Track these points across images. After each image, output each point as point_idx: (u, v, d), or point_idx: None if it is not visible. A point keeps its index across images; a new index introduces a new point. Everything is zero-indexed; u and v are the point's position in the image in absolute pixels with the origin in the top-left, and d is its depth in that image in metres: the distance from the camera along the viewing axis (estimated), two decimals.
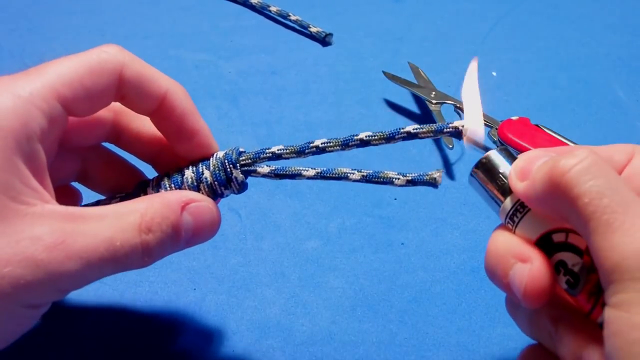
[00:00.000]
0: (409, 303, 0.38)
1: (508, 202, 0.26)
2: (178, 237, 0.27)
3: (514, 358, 0.35)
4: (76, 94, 0.26)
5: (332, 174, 0.30)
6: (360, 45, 0.57)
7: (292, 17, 0.58)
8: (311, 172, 0.30)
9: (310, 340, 0.36)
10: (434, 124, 0.29)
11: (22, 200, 0.23)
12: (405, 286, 0.38)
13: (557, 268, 0.25)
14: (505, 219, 0.26)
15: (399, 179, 0.29)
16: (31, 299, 0.24)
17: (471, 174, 0.27)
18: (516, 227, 0.26)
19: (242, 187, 0.30)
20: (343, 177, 0.30)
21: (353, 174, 0.30)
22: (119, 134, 0.31)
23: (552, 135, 0.45)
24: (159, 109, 0.29)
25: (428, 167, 0.45)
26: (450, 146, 0.45)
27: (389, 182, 0.30)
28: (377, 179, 0.30)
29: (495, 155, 0.27)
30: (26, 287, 0.22)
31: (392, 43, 0.57)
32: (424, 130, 0.29)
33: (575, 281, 0.24)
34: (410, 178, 0.29)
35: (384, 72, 0.51)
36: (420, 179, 0.29)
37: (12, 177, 0.23)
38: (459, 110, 0.48)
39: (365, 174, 0.30)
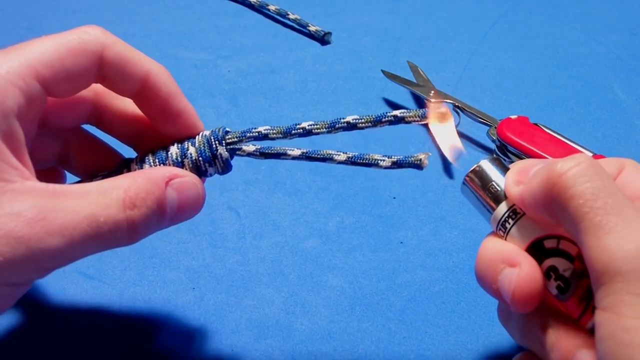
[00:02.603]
0: (408, 302, 0.38)
1: (501, 208, 0.26)
2: (163, 213, 0.26)
3: (512, 357, 0.35)
4: (56, 74, 0.26)
5: (318, 155, 0.30)
6: (359, 44, 0.57)
7: (291, 16, 0.57)
8: (297, 152, 0.30)
9: (309, 339, 0.36)
10: (421, 109, 0.29)
11: (1, 177, 0.23)
12: (404, 285, 0.38)
13: (548, 274, 0.25)
14: (497, 226, 0.27)
15: (384, 160, 0.29)
16: (11, 277, 0.23)
17: (464, 182, 0.28)
18: (507, 234, 0.26)
19: (226, 165, 0.30)
20: (328, 159, 0.30)
21: (338, 155, 0.30)
22: (100, 115, 0.31)
23: (551, 134, 0.45)
24: (141, 90, 0.29)
25: (427, 166, 0.45)
26: None
27: (374, 164, 0.29)
28: (363, 160, 0.30)
29: (487, 165, 0.28)
30: (6, 265, 0.22)
31: (391, 42, 0.57)
32: (411, 114, 0.29)
33: (566, 286, 0.24)
34: (395, 160, 0.29)
35: (383, 71, 0.51)
36: (406, 161, 0.29)
37: None
38: (457, 109, 0.48)
39: (350, 155, 0.30)
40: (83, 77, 0.27)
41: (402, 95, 0.52)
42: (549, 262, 0.25)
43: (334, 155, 0.30)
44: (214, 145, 0.29)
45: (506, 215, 0.26)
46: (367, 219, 0.42)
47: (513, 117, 0.46)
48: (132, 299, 0.37)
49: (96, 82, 0.28)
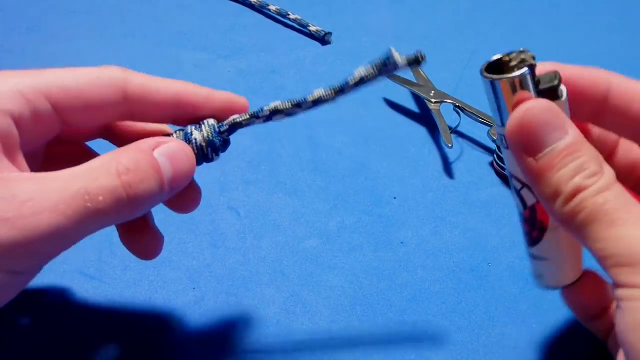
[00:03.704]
0: (409, 302, 0.38)
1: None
2: (160, 176, 0.26)
3: (514, 357, 0.35)
4: (72, 100, 0.26)
5: (308, 102, 0.29)
6: (359, 44, 0.57)
7: (292, 16, 0.58)
8: (287, 105, 0.29)
9: (309, 339, 0.36)
10: (379, 62, 0.27)
11: None
12: (405, 285, 0.38)
13: None
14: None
15: (369, 73, 0.28)
16: (8, 264, 0.22)
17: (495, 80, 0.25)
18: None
19: (226, 148, 0.30)
20: (320, 102, 0.29)
21: (327, 93, 0.29)
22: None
23: None
24: (177, 109, 0.29)
25: (427, 166, 0.45)
26: (450, 145, 0.45)
27: (362, 81, 0.29)
28: (349, 86, 0.29)
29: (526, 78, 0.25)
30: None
31: (392, 42, 0.57)
32: (372, 71, 0.28)
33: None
34: (378, 65, 0.28)
35: None
36: (386, 61, 0.28)
37: None
38: (458, 109, 0.48)
39: (337, 88, 0.29)
40: (105, 109, 0.27)
41: (402, 96, 0.52)
42: None
43: (323, 97, 0.29)
44: (218, 134, 0.29)
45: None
46: (368, 219, 0.42)
47: None
48: (133, 299, 0.37)
49: (124, 119, 0.28)
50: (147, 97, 0.28)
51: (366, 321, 0.37)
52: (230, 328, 0.36)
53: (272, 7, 0.58)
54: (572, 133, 0.23)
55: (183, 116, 0.29)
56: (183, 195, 0.29)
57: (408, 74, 0.51)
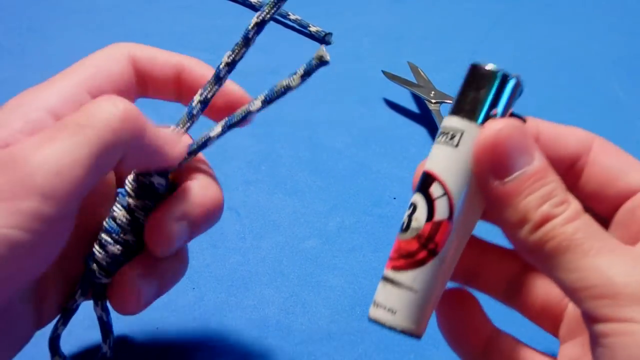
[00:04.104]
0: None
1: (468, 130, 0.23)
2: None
3: None
4: (103, 86, 0.27)
5: (237, 118, 0.28)
6: (359, 45, 0.57)
7: (292, 17, 0.58)
8: (218, 129, 0.29)
9: (309, 339, 0.36)
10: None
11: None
12: None
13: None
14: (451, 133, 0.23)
15: (293, 80, 0.28)
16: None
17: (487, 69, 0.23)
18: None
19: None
20: (248, 114, 0.28)
21: (253, 104, 0.28)
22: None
23: None
24: (179, 81, 0.30)
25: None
26: None
27: (287, 89, 0.28)
28: (276, 93, 0.28)
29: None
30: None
31: (392, 42, 0.57)
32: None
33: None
34: (302, 72, 0.28)
35: (383, 72, 0.51)
36: (310, 65, 0.27)
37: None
38: None
39: (264, 97, 0.28)
40: (126, 83, 0.28)
41: (402, 96, 0.52)
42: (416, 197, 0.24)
43: (250, 107, 0.28)
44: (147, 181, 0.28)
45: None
46: (368, 219, 0.42)
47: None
48: None
49: (137, 88, 0.29)
50: (152, 59, 0.29)
51: (366, 321, 0.36)
52: (230, 328, 0.36)
53: None
54: (539, 158, 0.22)
55: (185, 86, 0.30)
56: None
57: (408, 74, 0.52)
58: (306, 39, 0.57)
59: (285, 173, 0.45)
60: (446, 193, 0.23)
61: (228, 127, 0.29)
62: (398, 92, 0.52)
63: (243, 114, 0.28)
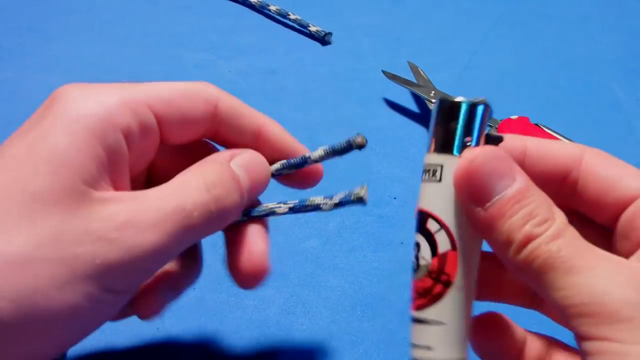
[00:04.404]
0: (409, 302, 0.38)
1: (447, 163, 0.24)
2: (240, 187, 0.26)
3: None
4: (170, 112, 0.26)
5: (261, 212, 0.29)
6: (359, 45, 0.57)
7: (292, 16, 0.58)
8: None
9: (309, 340, 0.36)
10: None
11: (94, 185, 0.23)
12: (405, 285, 0.38)
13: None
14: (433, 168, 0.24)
15: (326, 204, 0.29)
16: (110, 282, 0.22)
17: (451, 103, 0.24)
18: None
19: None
20: (270, 213, 0.29)
21: (279, 207, 0.29)
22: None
23: (551, 135, 0.45)
24: (256, 143, 0.29)
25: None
26: None
27: (317, 208, 0.29)
28: (305, 207, 0.29)
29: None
30: (103, 268, 0.22)
31: (392, 42, 0.57)
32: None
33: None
34: (337, 201, 0.29)
35: (383, 72, 0.52)
36: (347, 199, 0.28)
37: (90, 161, 0.23)
38: None
39: (292, 205, 0.29)
40: (197, 124, 0.27)
41: (402, 96, 0.52)
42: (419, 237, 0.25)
43: (276, 209, 0.29)
44: None
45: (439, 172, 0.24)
46: (368, 219, 0.42)
47: (514, 117, 0.46)
48: None
49: (209, 135, 0.28)
50: (234, 120, 0.28)
51: (366, 321, 0.37)
52: (230, 328, 0.36)
53: (272, 8, 0.59)
54: (520, 179, 0.22)
55: (261, 149, 0.29)
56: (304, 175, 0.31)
57: (408, 74, 0.52)
58: (306, 38, 0.57)
59: None
60: (442, 226, 0.24)
61: (249, 217, 0.29)
62: (398, 92, 0.52)
63: (266, 211, 0.29)
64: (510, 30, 0.59)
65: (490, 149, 0.23)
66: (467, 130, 0.23)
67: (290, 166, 0.30)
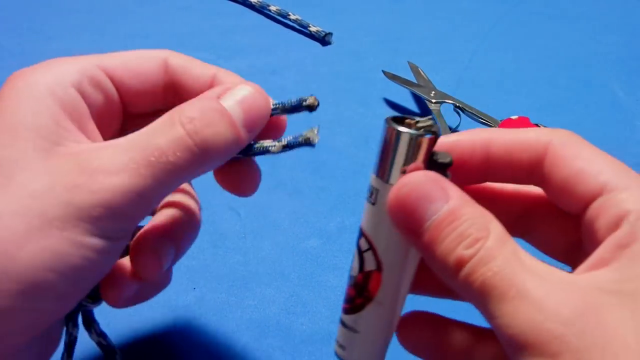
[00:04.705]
0: (408, 302, 0.37)
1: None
2: (228, 119, 0.25)
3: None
4: (121, 68, 0.27)
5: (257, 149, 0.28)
6: (359, 45, 0.57)
7: (292, 17, 0.58)
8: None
9: (309, 339, 0.36)
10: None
11: (58, 141, 0.23)
12: None
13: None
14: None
15: (274, 146, 0.28)
16: (98, 228, 0.22)
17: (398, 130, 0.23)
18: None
19: None
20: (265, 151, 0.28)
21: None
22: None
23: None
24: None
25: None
26: None
27: (265, 151, 0.28)
28: (253, 150, 0.28)
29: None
30: (78, 213, 0.22)
31: (392, 42, 0.57)
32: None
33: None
34: (285, 143, 0.28)
35: (383, 72, 0.52)
36: (295, 141, 0.27)
37: (46, 118, 0.23)
38: (458, 109, 0.48)
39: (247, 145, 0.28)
40: (152, 81, 0.28)
41: (402, 96, 0.52)
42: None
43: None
44: None
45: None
46: None
47: (514, 117, 0.46)
48: None
49: (169, 101, 0.28)
50: (187, 71, 0.28)
51: None
52: (231, 328, 0.36)
53: (273, 8, 0.59)
54: (453, 198, 0.21)
55: None
56: (240, 174, 0.30)
57: (408, 74, 0.52)
58: (306, 39, 0.57)
59: (286, 173, 0.45)
60: (371, 247, 0.24)
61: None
62: (398, 92, 0.52)
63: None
64: (510, 30, 0.59)
65: (420, 174, 0.22)
66: (406, 159, 0.23)
67: (284, 107, 0.28)
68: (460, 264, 0.21)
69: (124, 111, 0.28)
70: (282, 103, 0.28)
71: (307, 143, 0.28)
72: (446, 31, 0.59)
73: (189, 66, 0.28)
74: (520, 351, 0.19)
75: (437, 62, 0.54)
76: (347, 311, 0.25)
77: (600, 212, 0.21)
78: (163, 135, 0.23)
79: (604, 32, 0.59)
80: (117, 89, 0.27)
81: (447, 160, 0.23)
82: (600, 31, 0.59)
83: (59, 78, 0.24)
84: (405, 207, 0.22)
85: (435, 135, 0.23)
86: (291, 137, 0.28)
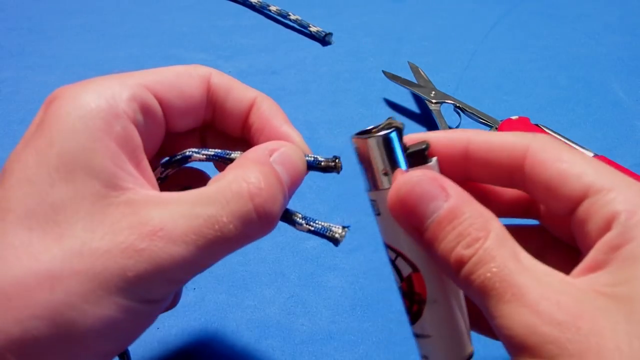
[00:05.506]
0: None
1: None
2: (283, 188, 0.24)
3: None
4: (167, 90, 0.25)
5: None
6: (360, 45, 0.57)
7: (292, 17, 0.58)
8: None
9: (309, 340, 0.36)
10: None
11: (115, 184, 0.22)
12: None
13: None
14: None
15: (301, 225, 0.28)
16: (143, 293, 0.21)
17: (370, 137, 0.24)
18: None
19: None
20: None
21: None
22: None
23: (551, 135, 0.45)
24: (249, 116, 0.28)
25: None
26: None
27: (292, 223, 0.28)
28: (284, 216, 0.28)
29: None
30: (134, 280, 0.21)
31: (392, 42, 0.57)
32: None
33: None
34: (312, 228, 0.28)
35: (383, 72, 0.51)
36: (322, 233, 0.28)
37: (103, 158, 0.21)
38: (458, 109, 0.48)
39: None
40: (195, 100, 0.26)
41: (402, 96, 0.52)
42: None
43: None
44: None
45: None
46: (368, 219, 0.42)
47: (514, 117, 0.46)
48: None
49: (208, 119, 0.28)
50: (228, 90, 0.27)
51: (366, 322, 0.37)
52: (231, 328, 0.36)
53: (273, 8, 0.58)
54: (453, 196, 0.21)
55: (252, 124, 0.28)
56: None
57: (409, 75, 0.52)
58: (307, 39, 0.57)
59: None
60: (398, 254, 0.25)
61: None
62: (398, 92, 0.52)
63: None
64: (510, 30, 0.59)
65: (417, 172, 0.22)
66: (384, 161, 0.24)
67: (311, 165, 0.28)
68: (460, 263, 0.21)
69: (166, 131, 0.27)
70: (312, 163, 0.28)
71: (332, 241, 0.28)
72: (446, 31, 0.59)
73: (231, 87, 0.28)
74: (518, 353, 0.19)
75: (437, 62, 0.54)
76: (411, 322, 0.25)
77: (589, 214, 0.21)
78: (228, 205, 0.22)
79: (604, 32, 0.59)
80: (164, 110, 0.25)
81: (422, 146, 0.24)
82: (600, 31, 0.59)
83: (111, 104, 0.23)
84: (406, 206, 0.22)
85: (399, 128, 0.24)
86: (320, 226, 0.28)
